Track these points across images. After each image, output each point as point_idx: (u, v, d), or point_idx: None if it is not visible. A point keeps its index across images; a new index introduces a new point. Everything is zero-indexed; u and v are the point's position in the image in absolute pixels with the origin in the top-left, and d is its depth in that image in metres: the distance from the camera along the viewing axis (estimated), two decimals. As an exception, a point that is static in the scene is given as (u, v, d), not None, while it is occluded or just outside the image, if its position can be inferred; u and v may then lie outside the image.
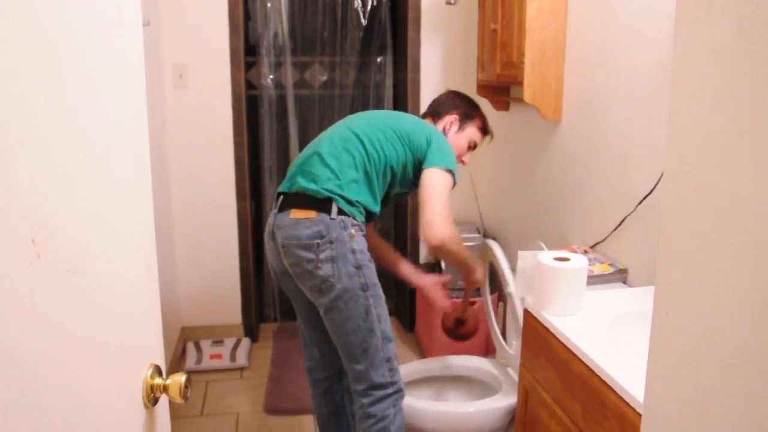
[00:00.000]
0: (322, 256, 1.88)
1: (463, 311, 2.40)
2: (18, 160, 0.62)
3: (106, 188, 0.84)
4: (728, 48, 0.64)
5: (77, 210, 0.75)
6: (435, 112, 2.28)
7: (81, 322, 0.76)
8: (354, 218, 1.93)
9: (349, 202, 1.93)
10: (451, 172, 2.00)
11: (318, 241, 1.88)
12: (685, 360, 0.73)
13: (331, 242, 1.88)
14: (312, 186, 1.94)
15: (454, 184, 2.02)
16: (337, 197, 1.91)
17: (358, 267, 1.90)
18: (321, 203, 1.91)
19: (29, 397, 0.64)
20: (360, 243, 1.93)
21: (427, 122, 2.20)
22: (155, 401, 0.99)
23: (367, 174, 1.97)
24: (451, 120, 2.24)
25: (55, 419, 0.70)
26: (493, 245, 2.38)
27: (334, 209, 1.90)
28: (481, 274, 2.27)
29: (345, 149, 1.98)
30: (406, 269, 2.36)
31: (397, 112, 2.21)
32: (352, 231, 1.90)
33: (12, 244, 0.61)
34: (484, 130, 2.30)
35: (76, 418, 0.75)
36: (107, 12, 0.84)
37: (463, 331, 2.45)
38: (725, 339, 0.65)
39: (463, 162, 2.28)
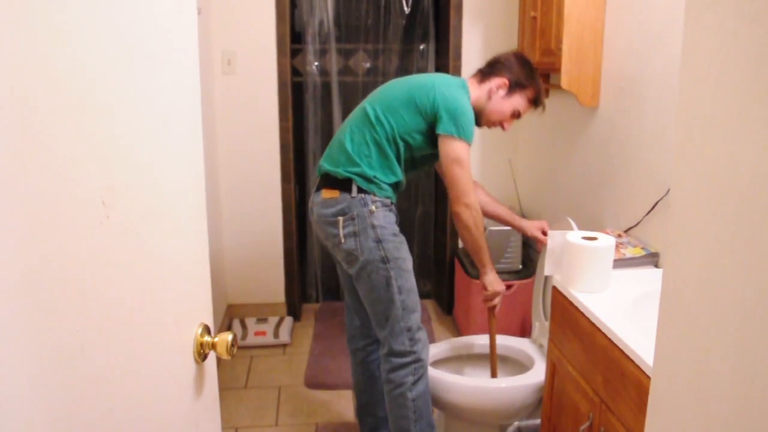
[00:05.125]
0: (344, 231, 2.04)
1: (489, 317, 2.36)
2: (92, 132, 0.72)
3: (164, 161, 0.93)
4: (730, 29, 0.69)
5: (139, 179, 0.84)
6: (486, 71, 2.20)
7: (142, 278, 0.86)
8: (374, 194, 2.06)
9: (367, 180, 2.05)
10: (462, 138, 2.01)
11: (341, 218, 2.04)
12: (690, 324, 0.78)
13: (352, 219, 2.04)
14: (333, 168, 2.09)
15: (469, 142, 2.04)
16: (355, 177, 2.05)
17: (378, 241, 2.03)
18: (342, 183, 2.06)
19: (100, 339, 0.74)
20: (381, 218, 2.05)
21: (445, 80, 2.14)
22: (204, 357, 1.08)
23: (379, 147, 2.07)
24: (499, 83, 2.15)
25: (120, 361, 0.80)
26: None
27: (354, 188, 2.05)
28: (491, 281, 2.20)
29: (358, 128, 2.10)
30: (513, 218, 2.39)
31: (410, 77, 2.23)
32: (372, 207, 2.04)
33: (87, 205, 0.71)
34: (535, 102, 2.20)
35: (138, 363, 0.85)
36: (169, 4, 0.93)
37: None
38: (725, 303, 0.70)
39: (502, 127, 2.22)
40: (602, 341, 1.47)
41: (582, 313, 1.59)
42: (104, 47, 0.74)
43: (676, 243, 0.82)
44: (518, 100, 2.17)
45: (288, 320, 3.60)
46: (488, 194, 2.41)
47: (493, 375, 2.37)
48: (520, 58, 2.20)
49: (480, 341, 2.47)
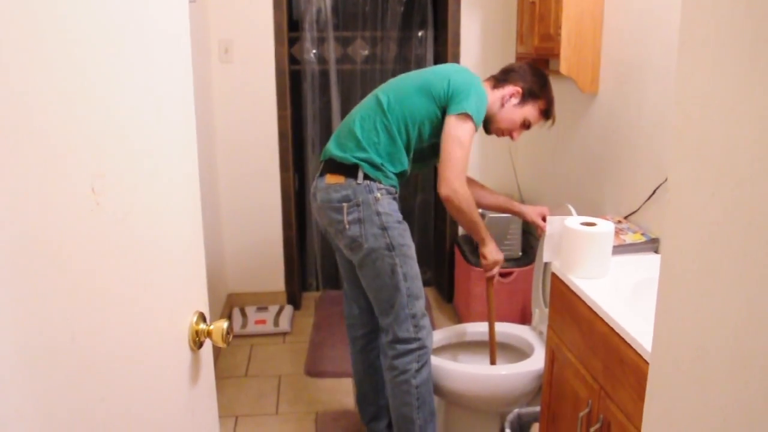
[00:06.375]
0: (349, 218, 2.03)
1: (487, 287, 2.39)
2: (80, 118, 0.70)
3: (156, 148, 0.92)
4: (727, 11, 0.68)
5: (130, 166, 0.83)
6: (501, 78, 2.21)
7: (134, 267, 0.85)
8: (380, 182, 2.05)
9: (374, 167, 2.05)
10: (469, 116, 2.00)
11: (345, 204, 2.03)
12: (688, 309, 0.78)
13: (357, 205, 2.02)
14: (341, 153, 2.08)
15: (477, 127, 2.05)
16: (362, 163, 2.04)
17: (383, 228, 2.02)
18: (349, 169, 2.05)
19: (91, 328, 0.73)
20: (386, 206, 2.04)
21: (461, 69, 2.16)
22: (200, 345, 1.08)
23: (389, 134, 2.06)
24: (512, 92, 2.16)
25: (113, 350, 0.79)
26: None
27: (360, 175, 2.04)
28: (491, 250, 2.23)
29: (368, 115, 2.09)
30: (512, 205, 2.39)
31: (428, 68, 2.25)
32: (378, 195, 2.03)
33: (76, 192, 0.70)
34: (546, 114, 2.23)
35: (131, 351, 0.84)
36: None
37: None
38: (723, 288, 0.70)
39: (511, 137, 2.24)
40: (601, 328, 1.47)
41: (581, 300, 1.58)
42: (93, 31, 0.73)
43: (674, 227, 0.81)
44: (530, 110, 2.19)
45: (288, 309, 3.60)
46: (483, 186, 2.41)
47: (492, 362, 2.37)
48: (534, 68, 2.22)
49: (480, 329, 2.47)
